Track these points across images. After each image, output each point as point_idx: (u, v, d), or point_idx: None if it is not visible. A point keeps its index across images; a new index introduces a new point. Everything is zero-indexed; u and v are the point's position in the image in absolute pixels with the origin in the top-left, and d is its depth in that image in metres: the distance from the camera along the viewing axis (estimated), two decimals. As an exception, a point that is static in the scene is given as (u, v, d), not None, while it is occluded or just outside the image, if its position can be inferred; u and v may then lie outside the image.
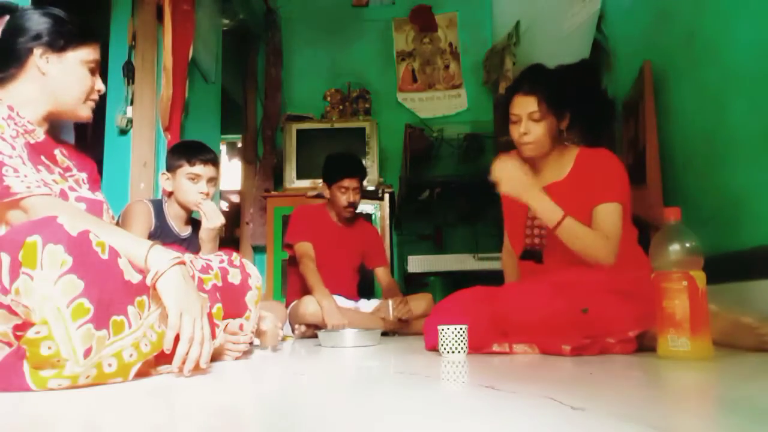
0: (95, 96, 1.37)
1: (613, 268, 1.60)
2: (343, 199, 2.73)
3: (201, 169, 2.04)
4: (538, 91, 1.71)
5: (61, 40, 1.29)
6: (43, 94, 1.29)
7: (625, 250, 1.69)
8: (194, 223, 2.18)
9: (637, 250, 1.72)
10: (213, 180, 2.09)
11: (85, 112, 1.36)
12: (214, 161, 2.09)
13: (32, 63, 1.27)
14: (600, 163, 1.72)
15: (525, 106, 1.72)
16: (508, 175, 1.67)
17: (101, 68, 1.40)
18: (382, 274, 2.90)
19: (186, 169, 2.03)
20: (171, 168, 2.07)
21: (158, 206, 2.08)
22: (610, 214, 1.64)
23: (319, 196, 3.52)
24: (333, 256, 2.73)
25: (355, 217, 2.90)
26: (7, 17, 1.27)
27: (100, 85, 1.37)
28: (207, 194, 2.05)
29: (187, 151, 2.07)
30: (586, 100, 1.76)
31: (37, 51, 1.27)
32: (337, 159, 2.80)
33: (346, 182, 2.71)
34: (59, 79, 1.30)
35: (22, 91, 1.27)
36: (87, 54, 1.33)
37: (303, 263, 2.61)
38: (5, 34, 1.26)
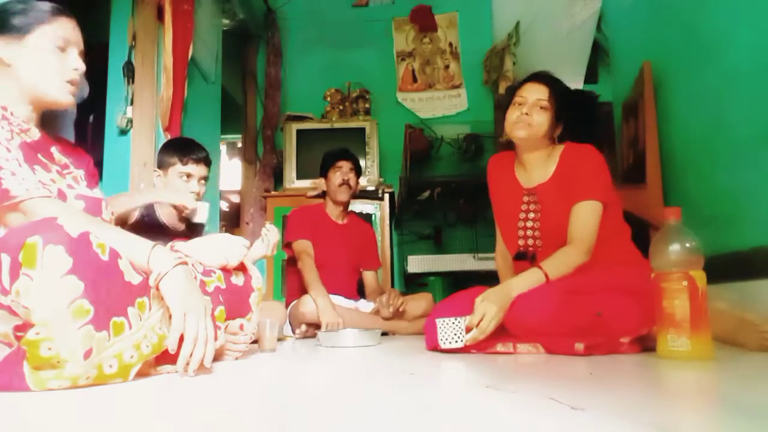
0: (72, 76, 1.26)
1: (614, 268, 1.60)
2: (338, 176, 2.77)
3: (193, 168, 2.04)
4: (551, 83, 1.76)
5: (17, 25, 1.20)
6: (16, 87, 1.23)
7: (618, 247, 1.69)
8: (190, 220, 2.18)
9: (630, 247, 1.72)
10: (204, 179, 2.09)
11: (64, 97, 1.26)
12: (206, 160, 2.09)
13: None
14: (581, 161, 1.72)
15: (535, 91, 1.75)
16: (489, 305, 1.52)
17: (90, 54, 1.28)
18: (370, 277, 2.93)
19: (178, 167, 2.03)
20: (163, 165, 2.07)
21: (150, 204, 2.08)
22: (584, 213, 1.65)
23: (319, 196, 3.53)
24: (332, 254, 2.73)
25: (352, 214, 2.91)
26: None
27: (76, 63, 1.26)
28: (198, 194, 2.06)
29: (180, 149, 2.06)
30: (580, 124, 1.79)
31: None
32: (331, 150, 2.89)
33: (340, 162, 2.79)
34: (26, 66, 1.21)
35: (3, 87, 1.22)
36: (54, 31, 1.23)
37: (301, 260, 2.62)
38: None
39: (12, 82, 1.23)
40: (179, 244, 1.41)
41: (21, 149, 1.21)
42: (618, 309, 1.47)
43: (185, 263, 1.18)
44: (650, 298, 1.41)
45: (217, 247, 1.42)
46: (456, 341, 1.44)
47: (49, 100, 1.26)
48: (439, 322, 1.46)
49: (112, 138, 2.60)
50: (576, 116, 1.78)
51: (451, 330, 1.44)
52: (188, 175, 2.04)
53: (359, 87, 4.10)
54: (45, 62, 1.23)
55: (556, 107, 1.74)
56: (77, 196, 1.27)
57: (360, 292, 2.89)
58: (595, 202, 1.65)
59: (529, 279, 1.59)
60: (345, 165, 2.79)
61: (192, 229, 2.09)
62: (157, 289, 1.12)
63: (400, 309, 2.58)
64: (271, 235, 2.12)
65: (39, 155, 1.27)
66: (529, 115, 1.72)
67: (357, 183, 2.85)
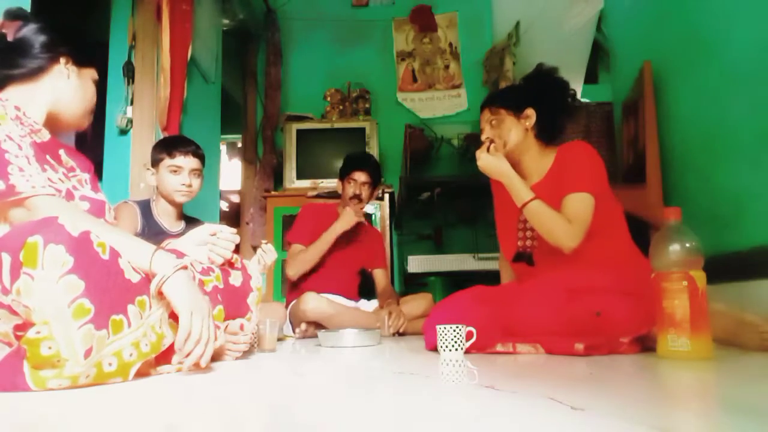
0: (92, 106, 1.46)
1: (614, 268, 1.60)
2: (350, 190, 2.74)
3: (182, 161, 2.08)
4: (488, 103, 1.89)
5: (84, 56, 1.40)
6: (57, 100, 1.34)
7: (617, 245, 1.69)
8: (187, 219, 2.19)
9: (629, 245, 1.72)
10: (196, 171, 2.12)
11: (86, 124, 1.46)
12: (196, 152, 2.13)
13: (56, 70, 1.33)
14: (572, 156, 1.73)
15: (484, 115, 1.90)
16: (491, 159, 1.77)
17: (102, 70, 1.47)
18: (380, 276, 2.91)
19: (167, 161, 2.08)
20: (154, 163, 2.12)
21: (145, 205, 2.11)
22: (575, 202, 1.63)
23: (318, 196, 3.53)
24: (337, 255, 2.73)
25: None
26: (20, 23, 1.30)
27: (95, 97, 1.48)
28: (190, 185, 2.09)
29: (168, 144, 2.12)
30: (549, 101, 1.81)
31: (63, 60, 1.34)
32: (352, 154, 2.86)
33: (356, 174, 2.75)
34: (75, 89, 1.37)
35: (34, 93, 1.30)
36: (95, 74, 1.45)
37: (293, 259, 2.66)
38: (29, 38, 1.30)
39: (54, 94, 1.33)
40: (174, 242, 1.41)
41: (31, 148, 1.23)
42: (617, 309, 1.47)
43: (185, 267, 1.19)
44: (650, 298, 1.41)
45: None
46: (456, 348, 1.44)
47: (76, 121, 1.41)
48: (439, 329, 1.46)
49: (112, 138, 2.60)
50: (542, 101, 1.81)
51: (451, 337, 1.44)
52: (178, 168, 2.07)
53: (359, 87, 4.10)
54: (90, 94, 1.43)
55: (508, 111, 1.82)
56: (82, 197, 1.31)
57: (361, 293, 2.89)
58: (585, 194, 1.63)
59: (522, 188, 1.68)
60: (360, 177, 2.75)
61: (188, 229, 2.10)
62: (160, 293, 1.12)
63: (401, 330, 2.55)
64: (267, 257, 2.13)
65: (47, 156, 1.30)
66: (489, 137, 1.86)
67: (372, 194, 2.82)
